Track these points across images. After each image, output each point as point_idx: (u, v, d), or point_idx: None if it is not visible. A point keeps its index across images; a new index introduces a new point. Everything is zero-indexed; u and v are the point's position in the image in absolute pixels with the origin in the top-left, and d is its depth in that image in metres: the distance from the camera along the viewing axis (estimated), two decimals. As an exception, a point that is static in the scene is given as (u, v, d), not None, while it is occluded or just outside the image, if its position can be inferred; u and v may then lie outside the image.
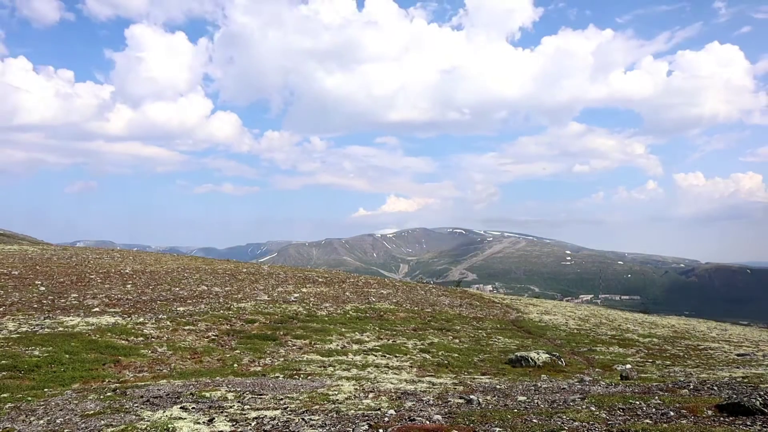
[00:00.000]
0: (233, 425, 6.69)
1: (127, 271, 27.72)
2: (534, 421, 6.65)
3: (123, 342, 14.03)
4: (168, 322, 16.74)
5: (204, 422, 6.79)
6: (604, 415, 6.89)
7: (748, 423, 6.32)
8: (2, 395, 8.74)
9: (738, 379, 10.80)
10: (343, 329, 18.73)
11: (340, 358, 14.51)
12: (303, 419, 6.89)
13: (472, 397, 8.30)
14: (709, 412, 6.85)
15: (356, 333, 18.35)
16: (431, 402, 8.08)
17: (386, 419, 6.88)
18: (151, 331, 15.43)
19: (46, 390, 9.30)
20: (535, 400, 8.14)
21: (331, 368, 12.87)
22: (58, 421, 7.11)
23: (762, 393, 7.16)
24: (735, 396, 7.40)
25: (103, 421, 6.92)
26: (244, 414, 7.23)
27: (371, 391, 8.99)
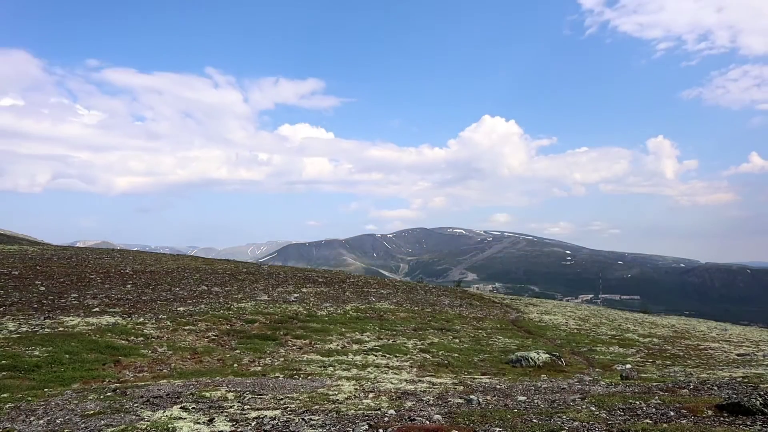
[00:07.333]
0: (233, 425, 6.68)
1: (127, 271, 27.72)
2: (534, 421, 6.64)
3: (123, 342, 14.03)
4: (168, 322, 16.74)
5: (204, 422, 6.79)
6: (604, 415, 6.88)
7: (748, 423, 6.31)
8: (2, 395, 8.73)
9: (738, 379, 10.79)
10: (343, 329, 18.74)
11: (340, 358, 14.52)
12: (303, 419, 6.89)
13: (472, 397, 8.30)
14: (710, 412, 6.85)
15: (356, 333, 18.36)
16: (431, 402, 8.07)
17: (386, 419, 6.87)
18: (151, 331, 15.44)
19: (46, 390, 9.30)
20: (535, 400, 8.13)
21: (331, 368, 12.87)
22: (58, 421, 7.11)
23: (762, 393, 7.15)
24: (735, 396, 7.40)
25: (103, 421, 6.92)
26: (244, 414, 7.23)
27: (371, 391, 8.98)
